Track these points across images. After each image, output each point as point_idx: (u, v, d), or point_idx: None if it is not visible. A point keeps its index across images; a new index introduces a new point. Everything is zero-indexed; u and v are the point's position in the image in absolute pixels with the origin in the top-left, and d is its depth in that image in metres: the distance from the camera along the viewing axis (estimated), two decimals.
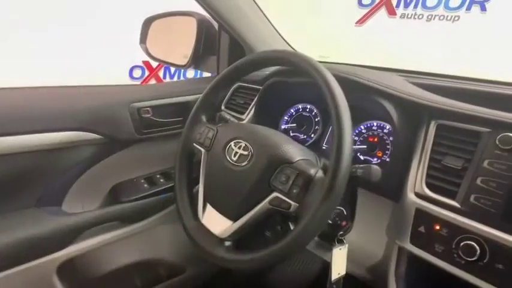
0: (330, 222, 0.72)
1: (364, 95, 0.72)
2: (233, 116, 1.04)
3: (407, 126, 0.68)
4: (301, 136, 0.94)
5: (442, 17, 1.74)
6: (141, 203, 0.98)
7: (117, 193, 0.97)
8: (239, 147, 0.66)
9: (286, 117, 0.99)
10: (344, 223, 0.71)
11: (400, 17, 1.91)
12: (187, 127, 0.78)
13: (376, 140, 0.79)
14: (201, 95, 0.78)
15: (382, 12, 1.95)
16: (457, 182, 0.60)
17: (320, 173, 0.57)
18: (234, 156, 0.66)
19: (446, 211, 0.59)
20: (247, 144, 0.65)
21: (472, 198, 0.57)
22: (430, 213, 0.60)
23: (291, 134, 0.96)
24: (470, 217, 0.57)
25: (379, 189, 0.71)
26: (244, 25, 0.96)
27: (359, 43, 1.64)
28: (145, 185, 0.99)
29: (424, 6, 1.81)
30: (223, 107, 1.08)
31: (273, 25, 1.09)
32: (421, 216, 0.62)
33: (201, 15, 1.08)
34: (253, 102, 0.97)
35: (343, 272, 0.73)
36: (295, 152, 0.62)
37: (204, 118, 0.78)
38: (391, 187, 0.67)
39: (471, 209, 0.57)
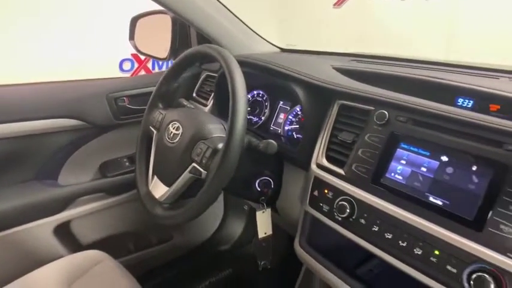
0: (259, 189, 0.85)
1: (282, 81, 0.83)
2: (200, 103, 1.19)
3: (315, 107, 0.79)
4: (254, 119, 1.06)
5: None
6: (124, 178, 1.17)
7: (104, 170, 1.16)
8: (173, 128, 0.80)
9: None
10: (266, 190, 0.84)
11: None
12: (146, 113, 0.93)
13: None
14: (156, 85, 0.93)
15: None
16: (347, 154, 0.70)
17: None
18: (170, 135, 0.80)
19: (334, 178, 0.70)
20: (180, 125, 0.80)
21: (353, 167, 0.67)
22: (323, 180, 0.71)
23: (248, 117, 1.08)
24: (349, 182, 0.67)
25: (296, 162, 0.83)
26: (204, 19, 1.08)
27: (338, 25, 1.70)
28: (127, 163, 1.18)
29: None
30: (194, 94, 1.22)
31: (237, 16, 1.19)
32: (317, 182, 0.73)
33: None
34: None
35: (269, 232, 0.86)
36: (212, 130, 0.75)
37: (160, 105, 0.93)
38: (304, 160, 0.78)
39: (351, 175, 0.67)
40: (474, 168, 0.54)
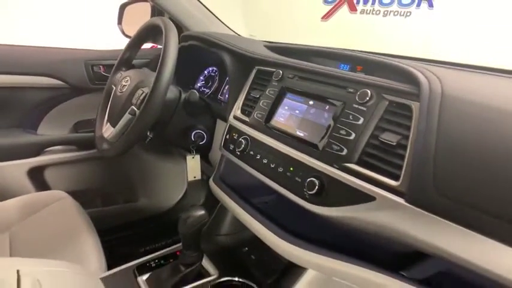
0: (193, 140, 1.01)
1: (216, 50, 1.01)
2: None
3: (239, 71, 0.95)
4: (206, 90, 1.24)
5: (396, 13, 1.92)
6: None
7: (77, 128, 1.35)
8: (124, 81, 0.98)
9: (201, 77, 1.29)
10: (199, 141, 1.00)
11: (360, 12, 2.09)
12: (111, 74, 1.11)
13: None
14: (120, 53, 1.12)
15: (345, 8, 2.14)
16: (254, 106, 0.86)
17: None
18: (121, 87, 0.98)
19: (241, 124, 0.85)
20: (129, 79, 0.98)
21: (255, 115, 0.83)
22: (233, 126, 0.87)
23: (201, 89, 1.26)
24: (249, 125, 0.83)
25: (223, 117, 0.99)
26: (174, 7, 1.27)
27: (325, 36, 1.90)
28: None
29: (380, 3, 2.00)
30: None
31: (207, 8, 1.38)
32: (230, 129, 0.88)
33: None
34: None
35: (198, 176, 1.02)
36: (151, 82, 0.93)
37: (123, 68, 1.11)
38: (227, 115, 0.95)
39: (252, 121, 0.83)
40: (327, 107, 0.70)
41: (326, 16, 2.20)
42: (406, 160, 0.54)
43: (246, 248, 0.92)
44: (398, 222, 0.53)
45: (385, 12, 1.93)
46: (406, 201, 0.52)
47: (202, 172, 1.04)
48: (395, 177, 0.54)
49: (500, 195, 0.45)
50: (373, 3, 1.98)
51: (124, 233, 1.49)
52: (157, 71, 0.83)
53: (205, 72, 1.28)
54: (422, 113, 0.53)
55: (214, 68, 1.25)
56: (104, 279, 0.77)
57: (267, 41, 1.15)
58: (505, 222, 0.44)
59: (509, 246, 0.44)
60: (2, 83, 1.18)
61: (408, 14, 1.86)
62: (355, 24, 2.05)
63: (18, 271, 0.59)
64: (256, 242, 0.92)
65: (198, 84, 1.28)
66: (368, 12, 2.02)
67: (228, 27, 1.42)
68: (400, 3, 1.86)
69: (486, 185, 0.46)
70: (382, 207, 0.54)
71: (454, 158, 0.49)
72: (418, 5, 1.77)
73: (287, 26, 2.17)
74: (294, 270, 0.72)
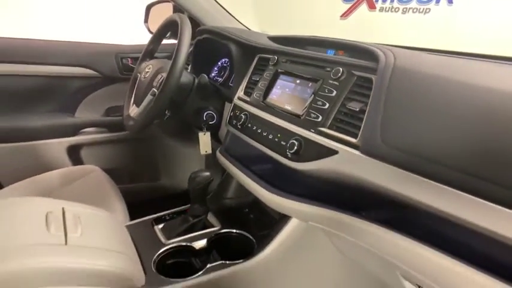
0: (205, 119, 1.17)
1: (225, 41, 1.16)
2: None
3: (243, 59, 1.10)
4: (219, 79, 1.40)
5: (415, 10, 1.86)
6: None
7: (109, 112, 1.55)
8: (148, 68, 1.16)
9: (215, 68, 1.45)
10: (210, 120, 1.16)
11: (379, 10, 2.13)
12: (137, 64, 1.30)
13: None
14: (145, 46, 1.30)
15: (364, 6, 2.21)
16: (253, 88, 1.00)
17: None
18: (144, 73, 1.16)
19: (244, 103, 1.00)
20: (151, 66, 1.15)
21: (254, 95, 0.97)
22: (237, 105, 1.02)
23: (215, 78, 1.42)
24: (250, 104, 0.98)
25: (231, 101, 1.14)
26: (191, 5, 1.44)
27: (344, 35, 2.03)
28: None
29: (399, 0, 2.03)
30: None
31: (221, 5, 1.54)
32: (234, 107, 1.03)
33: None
34: None
35: (209, 151, 1.18)
36: (168, 68, 1.09)
37: (147, 59, 1.29)
38: (233, 97, 1.10)
39: (252, 100, 0.98)
40: (309, 84, 0.83)
41: (345, 14, 2.26)
42: (363, 122, 0.67)
43: (247, 210, 1.07)
44: (355, 169, 0.66)
45: (404, 10, 1.97)
46: (361, 152, 0.65)
47: (212, 148, 1.20)
48: (355, 136, 0.67)
49: (433, 143, 0.56)
50: (392, 1, 1.95)
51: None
52: (172, 58, 0.99)
53: (219, 63, 1.44)
54: (377, 83, 0.66)
55: (226, 59, 1.41)
56: (128, 227, 0.94)
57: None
58: (440, 165, 0.54)
59: (436, 182, 0.56)
60: (46, 72, 1.39)
61: (427, 10, 1.82)
62: (374, 22, 2.11)
63: (63, 208, 0.77)
64: (255, 205, 1.07)
65: (213, 74, 1.44)
66: (387, 9, 2.05)
67: (240, 23, 1.58)
68: (419, 0, 1.83)
69: (423, 136, 0.58)
70: (343, 158, 0.68)
71: (398, 117, 0.62)
72: (438, 1, 1.80)
73: (305, 25, 2.28)
74: (281, 223, 0.86)
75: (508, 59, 0.85)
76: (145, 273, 0.78)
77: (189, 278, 0.79)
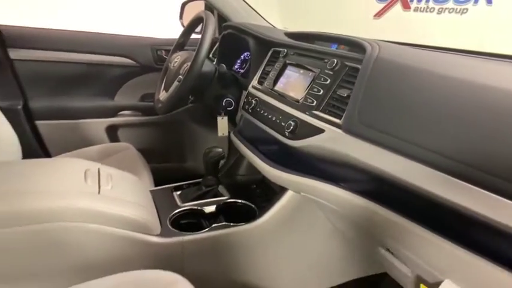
0: (224, 105, 1.31)
1: (244, 36, 1.30)
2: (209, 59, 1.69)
3: (259, 52, 1.23)
4: (241, 70, 1.54)
5: (451, 10, 1.81)
6: None
7: (144, 98, 1.74)
8: (176, 59, 1.32)
9: (239, 61, 1.59)
10: (228, 106, 1.30)
11: (414, 10, 2.04)
12: (169, 55, 1.46)
13: None
14: (177, 39, 1.46)
15: (398, 6, 2.20)
16: (266, 78, 1.13)
17: None
18: (174, 63, 1.32)
19: (256, 90, 1.14)
20: (180, 56, 1.31)
21: (265, 84, 1.11)
22: (251, 92, 1.15)
23: (237, 70, 1.56)
24: (261, 91, 1.11)
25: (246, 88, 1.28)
26: (221, 3, 1.60)
27: (377, 34, 2.06)
28: None
29: (435, 0, 2.00)
30: (210, 55, 1.74)
31: (249, 5, 1.67)
32: (248, 94, 1.17)
33: None
34: None
35: (226, 133, 1.32)
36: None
37: (178, 51, 1.46)
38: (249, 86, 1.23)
39: (263, 88, 1.11)
40: (310, 74, 0.95)
41: (379, 14, 2.26)
42: (348, 106, 0.78)
43: (254, 186, 1.21)
44: (338, 145, 0.77)
45: (440, 10, 1.88)
46: (343, 131, 0.76)
47: (230, 132, 1.34)
48: (340, 117, 0.78)
49: (402, 124, 0.66)
50: (427, 1, 1.90)
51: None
52: (196, 50, 1.14)
53: (242, 56, 1.58)
54: (361, 72, 0.77)
55: (248, 53, 1.54)
56: (152, 191, 1.10)
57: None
58: (407, 143, 0.63)
59: (403, 156, 0.65)
60: (91, 60, 1.60)
61: (465, 11, 1.77)
62: (408, 22, 2.09)
63: (99, 168, 0.94)
64: (263, 183, 1.20)
65: (236, 66, 1.59)
66: (422, 9, 1.97)
67: (266, 21, 1.70)
68: (456, 0, 1.79)
69: (394, 118, 0.68)
70: (329, 136, 0.79)
71: (374, 101, 0.72)
72: (476, 1, 1.75)
73: (338, 25, 2.33)
74: (280, 194, 0.98)
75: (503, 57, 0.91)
76: (161, 225, 0.94)
77: (196, 232, 0.94)
